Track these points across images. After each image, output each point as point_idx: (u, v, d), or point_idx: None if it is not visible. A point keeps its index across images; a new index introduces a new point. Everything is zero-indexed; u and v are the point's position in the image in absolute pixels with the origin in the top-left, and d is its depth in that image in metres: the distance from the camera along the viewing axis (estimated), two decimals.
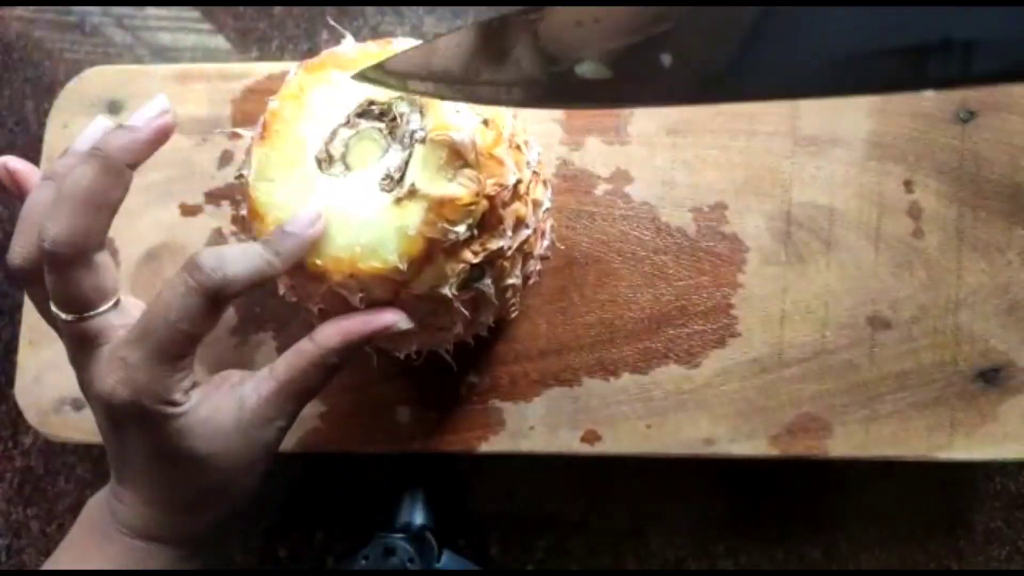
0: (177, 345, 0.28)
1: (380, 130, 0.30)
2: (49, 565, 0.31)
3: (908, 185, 0.41)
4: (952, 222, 0.41)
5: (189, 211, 0.44)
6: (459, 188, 0.28)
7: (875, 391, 0.40)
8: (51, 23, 0.54)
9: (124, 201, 0.44)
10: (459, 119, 0.29)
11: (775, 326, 0.41)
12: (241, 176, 0.31)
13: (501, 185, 0.29)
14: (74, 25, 0.54)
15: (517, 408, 0.41)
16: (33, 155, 0.51)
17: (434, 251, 0.28)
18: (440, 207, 0.28)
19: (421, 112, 0.29)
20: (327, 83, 0.31)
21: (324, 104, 0.30)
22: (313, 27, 0.53)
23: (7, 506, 0.51)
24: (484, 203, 0.29)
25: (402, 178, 0.28)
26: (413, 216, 0.28)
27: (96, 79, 0.45)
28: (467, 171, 0.28)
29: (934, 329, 0.40)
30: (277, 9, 0.53)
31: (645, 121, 0.43)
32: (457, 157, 0.28)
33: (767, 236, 0.42)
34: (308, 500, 0.50)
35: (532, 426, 0.41)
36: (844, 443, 0.40)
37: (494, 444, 0.41)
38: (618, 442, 0.41)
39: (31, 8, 0.55)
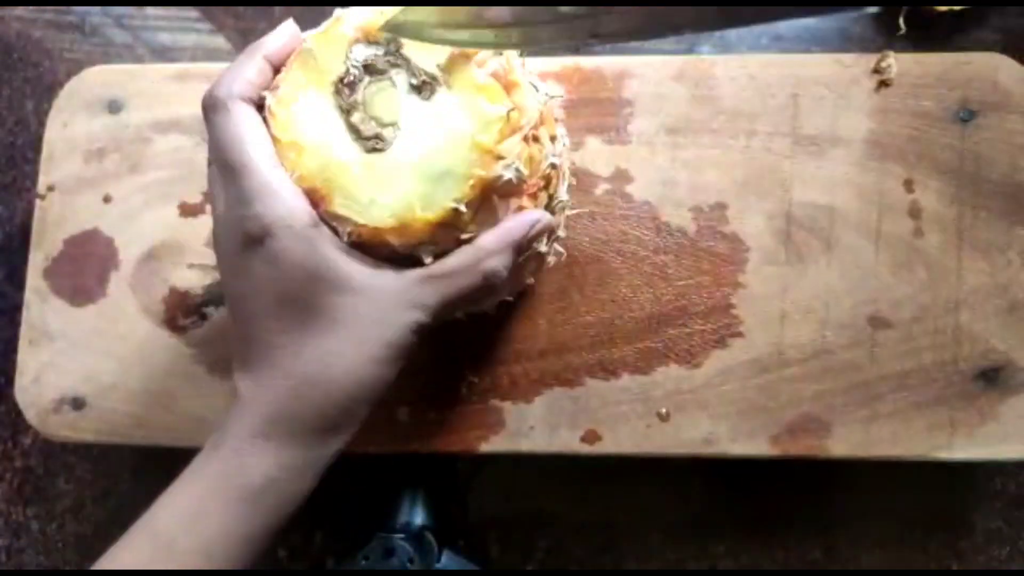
0: None
1: (402, 80, 0.30)
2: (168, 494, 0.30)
3: (908, 185, 0.41)
4: (952, 222, 0.41)
5: (189, 211, 0.44)
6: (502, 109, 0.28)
7: (875, 391, 0.40)
8: (51, 23, 0.54)
9: (124, 200, 0.44)
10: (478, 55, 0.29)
11: (775, 326, 0.41)
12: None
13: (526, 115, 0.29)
14: (74, 25, 0.54)
15: (517, 408, 0.41)
16: (33, 154, 0.51)
17: (488, 192, 0.28)
18: (497, 131, 0.28)
19: (410, 67, 0.29)
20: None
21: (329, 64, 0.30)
22: (313, 27, 0.53)
23: (7, 506, 0.51)
24: (524, 144, 0.29)
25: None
26: (462, 157, 0.28)
27: (95, 78, 0.45)
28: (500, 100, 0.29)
29: (934, 329, 0.40)
30: (277, 9, 0.53)
31: (645, 121, 0.43)
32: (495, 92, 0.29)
33: (767, 236, 0.41)
34: (308, 500, 0.50)
35: (532, 426, 0.41)
36: (844, 443, 0.40)
37: (494, 444, 0.41)
38: (618, 442, 0.41)
39: (31, 8, 0.55)
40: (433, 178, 0.28)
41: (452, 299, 0.29)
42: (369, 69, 0.29)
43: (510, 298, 0.39)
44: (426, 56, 0.29)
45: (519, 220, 0.30)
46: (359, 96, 0.29)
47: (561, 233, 0.37)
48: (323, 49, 0.29)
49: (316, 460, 0.30)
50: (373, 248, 0.29)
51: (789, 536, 0.48)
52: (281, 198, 0.27)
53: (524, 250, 0.31)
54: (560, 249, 0.39)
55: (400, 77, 0.29)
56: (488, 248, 0.29)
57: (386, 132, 0.29)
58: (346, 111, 0.29)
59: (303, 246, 0.27)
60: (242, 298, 0.29)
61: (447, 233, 0.29)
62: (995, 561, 0.47)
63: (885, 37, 0.49)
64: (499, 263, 0.29)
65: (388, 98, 0.29)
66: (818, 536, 0.48)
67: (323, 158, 0.29)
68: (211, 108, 0.29)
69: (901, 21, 0.48)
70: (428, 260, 0.29)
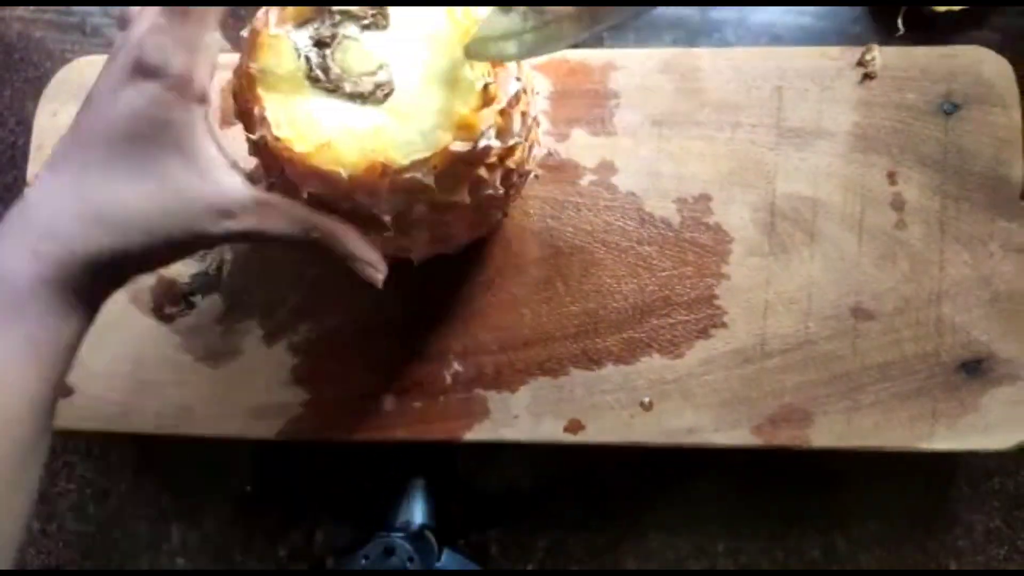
0: None
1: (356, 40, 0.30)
2: None
3: (892, 177, 0.42)
4: (935, 214, 0.41)
5: None
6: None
7: (857, 382, 0.40)
8: (52, 23, 0.55)
9: None
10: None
11: (758, 317, 0.41)
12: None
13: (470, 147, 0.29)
14: (74, 25, 0.55)
15: (501, 397, 0.42)
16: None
17: (383, 176, 0.29)
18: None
19: (349, 16, 0.29)
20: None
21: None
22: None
23: None
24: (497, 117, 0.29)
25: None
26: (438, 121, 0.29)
27: (85, 68, 0.46)
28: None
29: (917, 320, 0.41)
30: None
31: (631, 112, 0.43)
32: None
33: (751, 227, 0.42)
34: (308, 500, 0.50)
35: (516, 415, 0.42)
36: (826, 433, 0.40)
37: (478, 433, 0.42)
38: (601, 431, 0.41)
39: (31, 8, 0.55)
40: (420, 129, 0.29)
41: (269, 235, 0.30)
42: (321, 43, 0.30)
43: (466, 239, 0.39)
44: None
45: (360, 245, 0.31)
46: (335, 69, 0.29)
47: (530, 167, 0.37)
48: (272, 61, 0.30)
49: (78, 295, 0.28)
50: (263, 158, 0.30)
51: (788, 536, 0.48)
52: (192, 60, 0.27)
53: (342, 259, 0.31)
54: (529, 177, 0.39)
55: (351, 29, 0.30)
56: (323, 224, 0.30)
57: (381, 75, 0.29)
58: (335, 88, 0.29)
59: (181, 107, 0.27)
60: (94, 111, 0.28)
61: (408, 193, 0.30)
62: (994, 561, 0.47)
63: (883, 37, 0.49)
64: (322, 235, 0.30)
65: (356, 50, 0.29)
66: (817, 536, 0.48)
67: (354, 136, 0.29)
68: None
69: (899, 21, 0.48)
70: (387, 219, 0.30)
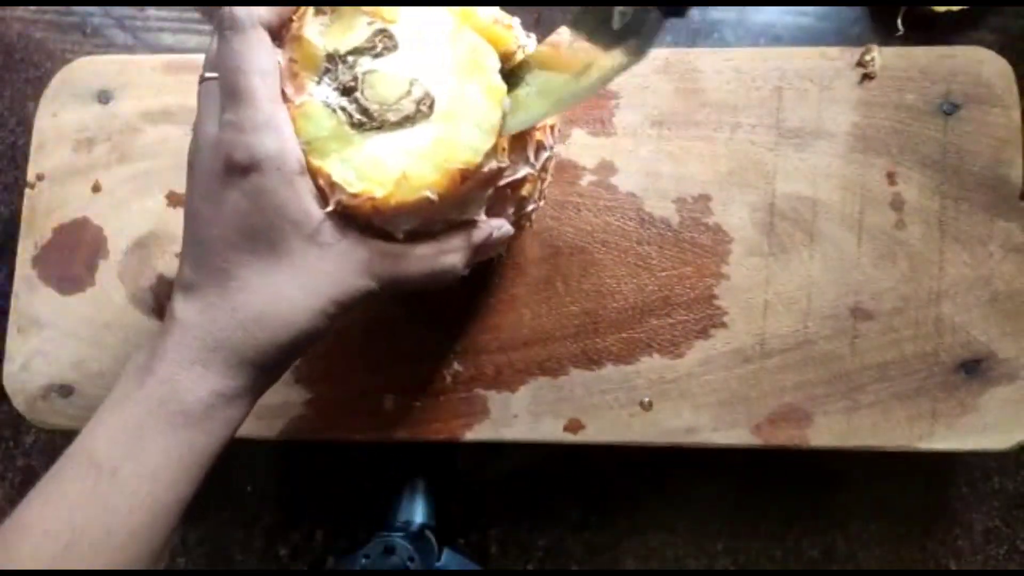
0: None
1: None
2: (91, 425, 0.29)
3: (891, 177, 0.42)
4: (934, 214, 0.41)
5: (177, 200, 0.44)
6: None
7: (857, 382, 0.40)
8: (52, 24, 0.55)
9: (113, 190, 0.44)
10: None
11: (758, 317, 0.41)
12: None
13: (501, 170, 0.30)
14: (75, 26, 0.55)
15: (501, 397, 0.42)
16: None
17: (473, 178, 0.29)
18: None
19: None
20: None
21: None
22: None
23: (8, 505, 0.51)
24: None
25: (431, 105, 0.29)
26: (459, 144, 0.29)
27: (86, 68, 0.46)
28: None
29: (916, 320, 0.41)
30: None
31: (630, 113, 0.43)
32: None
33: (750, 227, 0.42)
34: (308, 499, 0.50)
35: (516, 415, 0.42)
36: (825, 433, 0.40)
37: (478, 432, 0.42)
38: (601, 431, 0.41)
39: (32, 9, 0.55)
40: (429, 157, 0.29)
41: (405, 279, 0.30)
42: (347, 91, 0.29)
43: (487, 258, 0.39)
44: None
45: (483, 225, 0.31)
46: (372, 106, 0.29)
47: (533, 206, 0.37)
48: (312, 130, 0.29)
49: (248, 392, 0.30)
50: (353, 215, 0.29)
51: (787, 535, 0.48)
52: (278, 136, 0.28)
53: (482, 253, 0.32)
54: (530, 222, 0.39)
55: (367, 62, 0.29)
56: (450, 245, 0.30)
57: (416, 90, 0.29)
58: (382, 123, 0.29)
59: (285, 187, 0.28)
60: (205, 223, 0.29)
61: (489, 183, 0.30)
62: (993, 560, 0.47)
63: (883, 38, 0.49)
64: (456, 260, 0.31)
65: (382, 79, 0.29)
66: (816, 535, 0.48)
67: (422, 157, 0.29)
68: (229, 26, 0.28)
69: (899, 21, 0.48)
70: (400, 236, 0.30)
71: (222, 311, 0.28)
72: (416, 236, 0.30)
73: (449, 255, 0.30)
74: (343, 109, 0.29)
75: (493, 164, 0.29)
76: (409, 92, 0.29)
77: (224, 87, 0.28)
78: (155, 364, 0.28)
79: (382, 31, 0.29)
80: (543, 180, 0.35)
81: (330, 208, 0.29)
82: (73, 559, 0.26)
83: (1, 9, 0.55)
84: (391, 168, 0.28)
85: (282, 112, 0.28)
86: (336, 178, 0.28)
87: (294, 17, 0.30)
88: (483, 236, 0.31)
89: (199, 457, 0.29)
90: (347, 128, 0.29)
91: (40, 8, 0.55)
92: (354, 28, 0.29)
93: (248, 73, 0.27)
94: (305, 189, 0.28)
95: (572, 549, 0.49)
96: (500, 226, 0.32)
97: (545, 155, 0.33)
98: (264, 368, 0.29)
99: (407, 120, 0.29)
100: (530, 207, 0.35)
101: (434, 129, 0.29)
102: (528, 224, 0.37)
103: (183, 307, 0.29)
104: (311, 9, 0.29)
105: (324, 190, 0.29)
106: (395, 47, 0.29)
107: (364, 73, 0.29)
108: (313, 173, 0.28)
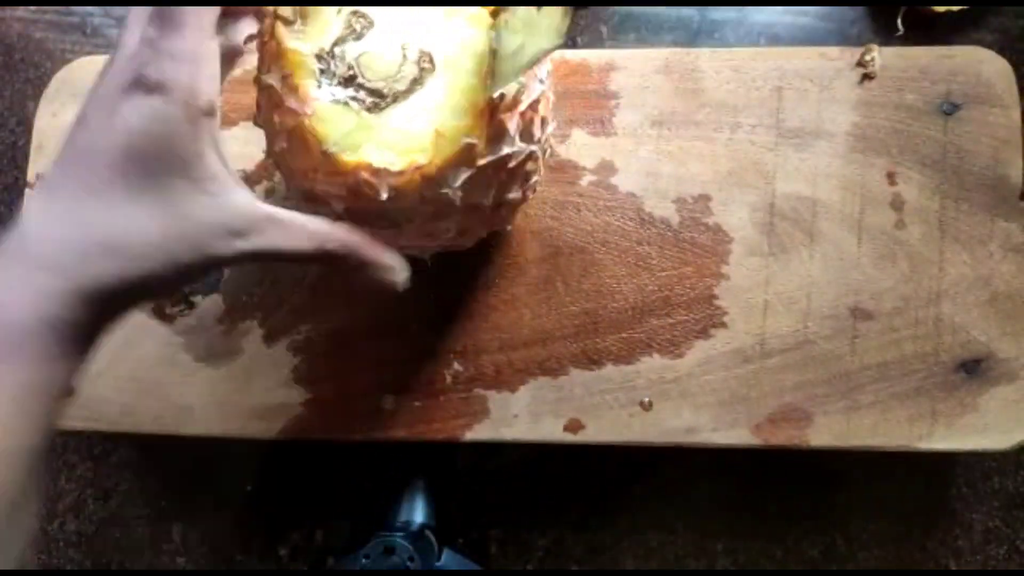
0: None
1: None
2: None
3: (891, 177, 0.42)
4: (934, 214, 0.41)
5: None
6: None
7: (856, 381, 0.40)
8: (53, 24, 0.55)
9: None
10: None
11: (758, 317, 0.41)
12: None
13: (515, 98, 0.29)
14: (75, 26, 0.55)
15: (501, 397, 0.42)
16: None
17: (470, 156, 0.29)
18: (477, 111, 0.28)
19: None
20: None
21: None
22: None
23: None
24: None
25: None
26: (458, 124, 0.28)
27: (85, 69, 0.46)
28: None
29: (916, 320, 0.41)
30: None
31: (630, 113, 0.43)
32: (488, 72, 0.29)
33: (750, 227, 0.42)
34: (308, 499, 0.50)
35: (516, 414, 0.42)
36: (825, 433, 0.40)
37: (478, 432, 0.42)
38: (601, 431, 0.41)
39: (32, 8, 0.55)
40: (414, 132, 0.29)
41: (283, 253, 0.28)
42: (349, 80, 0.29)
43: (483, 234, 0.39)
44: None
45: (377, 250, 0.30)
46: (379, 84, 0.29)
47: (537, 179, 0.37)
48: (334, 130, 0.29)
49: (80, 333, 0.26)
50: (337, 176, 0.29)
51: (787, 535, 0.48)
52: (196, 70, 0.26)
53: (360, 268, 0.31)
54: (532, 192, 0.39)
55: (352, 46, 0.30)
56: (337, 236, 0.29)
57: (411, 53, 0.29)
58: (395, 96, 0.29)
59: (186, 123, 0.26)
60: (90, 130, 0.26)
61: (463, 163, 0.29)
62: (993, 560, 0.47)
63: (883, 38, 0.49)
64: (338, 247, 0.29)
65: (374, 57, 0.29)
66: (816, 535, 0.48)
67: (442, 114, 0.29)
68: None
69: (899, 21, 0.48)
70: (408, 225, 0.30)
71: (72, 225, 0.26)
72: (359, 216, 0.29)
73: (333, 243, 0.29)
74: (354, 99, 0.29)
75: (511, 87, 0.29)
76: (405, 57, 0.29)
77: (158, 10, 0.26)
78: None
79: (353, 13, 0.29)
80: (526, 179, 0.35)
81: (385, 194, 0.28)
82: None
83: (1, 9, 0.55)
84: (422, 132, 0.28)
85: (210, 48, 0.26)
86: (378, 164, 0.28)
87: (266, 39, 0.30)
88: (371, 255, 0.30)
89: (31, 396, 0.25)
90: (366, 115, 0.29)
91: (40, 8, 0.55)
92: (327, 22, 0.30)
93: (188, 9, 0.26)
94: (206, 131, 0.26)
95: (572, 549, 0.49)
96: (387, 265, 0.30)
97: (549, 129, 0.33)
98: (99, 305, 0.26)
99: (416, 83, 0.29)
100: (534, 179, 0.34)
101: (443, 79, 0.29)
102: (531, 194, 0.36)
103: (32, 209, 0.26)
104: (278, 24, 0.29)
105: (371, 183, 0.28)
106: (372, 23, 0.30)
107: (356, 58, 0.29)
108: (355, 170, 0.28)
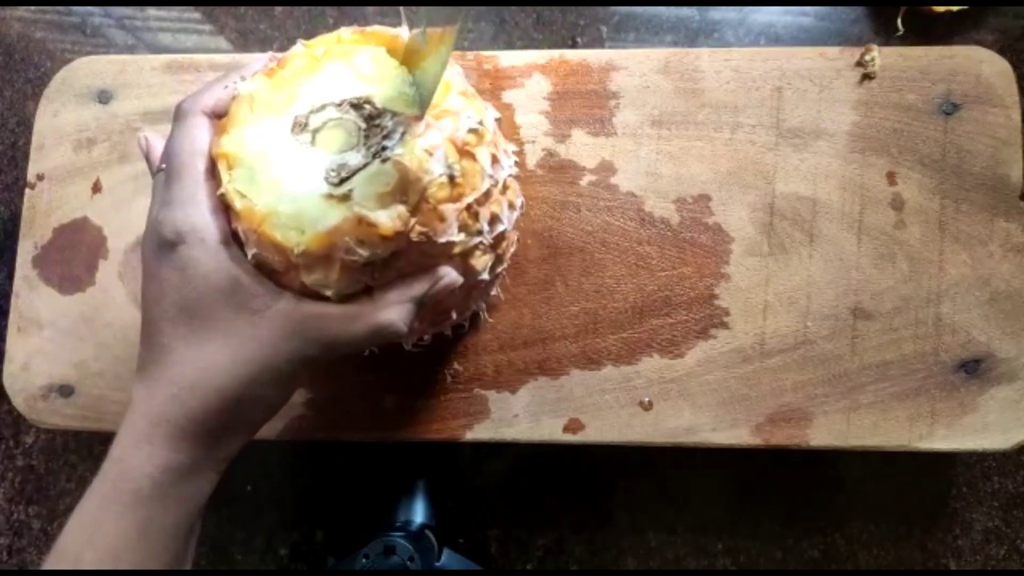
0: None
1: (360, 128, 0.29)
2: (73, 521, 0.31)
3: (891, 177, 0.42)
4: (934, 214, 0.41)
5: None
6: (385, 218, 0.27)
7: (856, 381, 0.40)
8: (53, 24, 0.55)
9: (113, 190, 0.45)
10: (430, 161, 0.28)
11: (758, 317, 0.41)
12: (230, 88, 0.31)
13: (427, 237, 0.29)
14: (75, 26, 0.55)
15: (501, 397, 0.42)
16: None
17: (333, 256, 0.28)
18: (357, 224, 0.27)
19: (402, 136, 0.29)
20: (348, 62, 0.31)
21: (333, 78, 0.30)
22: (314, 28, 0.53)
23: (9, 505, 0.51)
24: (401, 244, 0.28)
25: (345, 180, 0.28)
26: (332, 217, 0.28)
27: (86, 68, 0.46)
28: (401, 209, 0.28)
29: (915, 320, 0.41)
30: (278, 10, 0.54)
31: (630, 113, 0.43)
32: (402, 191, 0.28)
33: (750, 227, 0.42)
34: (308, 499, 0.50)
35: (516, 414, 0.42)
36: (825, 433, 0.40)
37: (478, 432, 0.42)
38: (601, 431, 0.41)
39: (32, 8, 0.55)
40: (301, 211, 0.28)
41: (341, 340, 0.29)
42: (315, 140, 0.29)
43: (464, 323, 0.40)
44: (397, 136, 0.29)
45: (423, 276, 0.30)
46: (317, 120, 0.29)
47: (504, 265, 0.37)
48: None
49: (200, 464, 0.30)
50: (283, 276, 0.29)
51: (787, 535, 0.48)
52: (198, 210, 0.28)
53: (426, 305, 0.31)
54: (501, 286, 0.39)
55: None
56: (385, 301, 0.29)
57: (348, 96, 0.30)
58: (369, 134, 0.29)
59: (209, 258, 0.28)
60: (148, 301, 0.30)
61: (281, 256, 0.29)
62: (992, 560, 0.47)
63: (883, 38, 0.49)
64: (394, 316, 0.29)
65: (337, 137, 0.29)
66: (816, 535, 0.48)
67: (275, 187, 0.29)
68: (175, 117, 0.31)
69: (899, 21, 0.48)
70: (328, 293, 0.29)
71: (161, 386, 0.29)
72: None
73: (384, 311, 0.29)
74: (332, 173, 0.28)
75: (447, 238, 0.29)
76: (359, 113, 0.29)
77: (167, 171, 0.29)
78: (111, 448, 0.30)
79: (295, 120, 0.29)
80: (501, 256, 0.34)
81: (250, 256, 0.29)
82: None
83: (1, 9, 0.55)
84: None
85: (207, 186, 0.29)
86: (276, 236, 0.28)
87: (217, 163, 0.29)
88: (423, 288, 0.30)
89: (162, 532, 0.29)
90: (337, 189, 0.28)
91: (40, 8, 0.55)
92: (277, 118, 0.30)
93: (181, 154, 0.29)
94: (232, 256, 0.29)
95: (572, 549, 0.49)
96: (445, 275, 0.30)
97: (500, 228, 0.32)
98: (208, 438, 0.29)
99: (386, 136, 0.29)
100: (483, 276, 0.33)
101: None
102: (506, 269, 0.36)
103: (135, 387, 0.30)
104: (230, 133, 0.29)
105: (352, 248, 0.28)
106: (319, 107, 0.30)
107: (315, 132, 0.29)
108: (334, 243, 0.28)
